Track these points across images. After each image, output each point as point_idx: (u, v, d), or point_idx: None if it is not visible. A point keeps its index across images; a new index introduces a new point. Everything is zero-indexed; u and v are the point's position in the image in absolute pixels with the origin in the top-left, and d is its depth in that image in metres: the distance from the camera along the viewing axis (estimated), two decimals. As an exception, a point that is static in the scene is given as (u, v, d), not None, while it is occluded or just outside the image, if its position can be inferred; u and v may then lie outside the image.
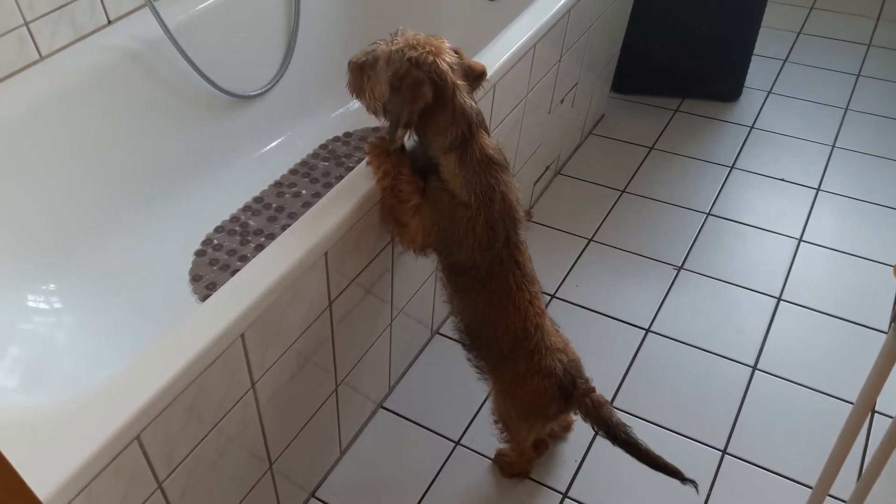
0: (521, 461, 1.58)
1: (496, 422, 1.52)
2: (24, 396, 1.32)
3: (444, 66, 1.19)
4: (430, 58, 1.18)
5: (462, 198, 1.24)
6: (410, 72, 1.18)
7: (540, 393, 1.37)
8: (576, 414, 1.41)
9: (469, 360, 1.44)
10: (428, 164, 1.28)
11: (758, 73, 2.83)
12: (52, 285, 1.60)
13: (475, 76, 1.26)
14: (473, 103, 1.22)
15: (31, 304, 1.55)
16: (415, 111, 1.18)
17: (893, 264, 0.78)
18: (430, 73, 1.18)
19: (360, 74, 1.27)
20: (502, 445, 1.60)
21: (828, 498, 0.93)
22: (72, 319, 1.58)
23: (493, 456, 1.63)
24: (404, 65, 1.19)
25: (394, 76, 1.19)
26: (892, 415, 1.68)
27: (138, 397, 0.95)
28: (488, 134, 1.26)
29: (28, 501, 0.58)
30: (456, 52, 1.24)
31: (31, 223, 1.59)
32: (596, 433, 1.39)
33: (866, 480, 0.80)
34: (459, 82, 1.21)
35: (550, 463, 1.62)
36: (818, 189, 2.33)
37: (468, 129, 1.21)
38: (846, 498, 0.83)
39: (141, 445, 0.97)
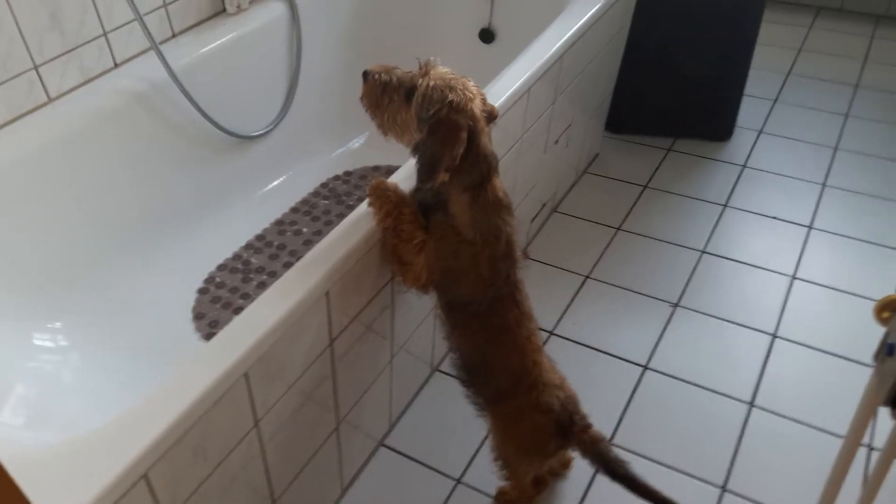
0: (521, 499, 1.59)
1: (495, 459, 1.53)
2: (31, 433, 1.33)
3: (478, 113, 1.22)
4: (469, 104, 1.21)
5: (467, 235, 1.27)
6: (450, 116, 1.19)
7: (538, 429, 1.38)
8: (574, 451, 1.43)
9: (468, 396, 1.46)
10: (431, 200, 1.31)
11: (749, 113, 2.89)
12: (59, 323, 1.62)
13: (490, 119, 1.29)
14: (491, 145, 1.26)
15: (37, 342, 1.57)
16: (456, 156, 1.19)
17: (875, 303, 0.81)
18: (468, 119, 1.20)
19: (381, 92, 1.27)
20: (503, 483, 1.60)
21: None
22: (77, 357, 1.59)
23: (494, 494, 1.63)
24: (445, 108, 1.20)
25: (433, 118, 1.20)
26: (888, 451, 1.70)
27: (146, 436, 0.96)
28: (498, 176, 1.30)
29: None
30: (482, 97, 1.27)
31: (38, 261, 1.62)
32: (595, 470, 1.40)
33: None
34: (486, 128, 1.24)
35: (551, 501, 1.62)
36: (810, 227, 2.37)
37: (487, 172, 1.24)
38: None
39: (148, 483, 0.98)
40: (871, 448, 1.73)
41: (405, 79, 1.26)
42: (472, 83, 1.25)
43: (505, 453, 1.50)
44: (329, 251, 1.27)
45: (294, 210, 2.17)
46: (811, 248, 2.29)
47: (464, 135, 1.19)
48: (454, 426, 1.77)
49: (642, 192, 2.53)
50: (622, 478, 1.36)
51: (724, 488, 1.64)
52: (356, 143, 2.43)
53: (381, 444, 1.73)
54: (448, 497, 1.63)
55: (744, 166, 2.65)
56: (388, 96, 1.27)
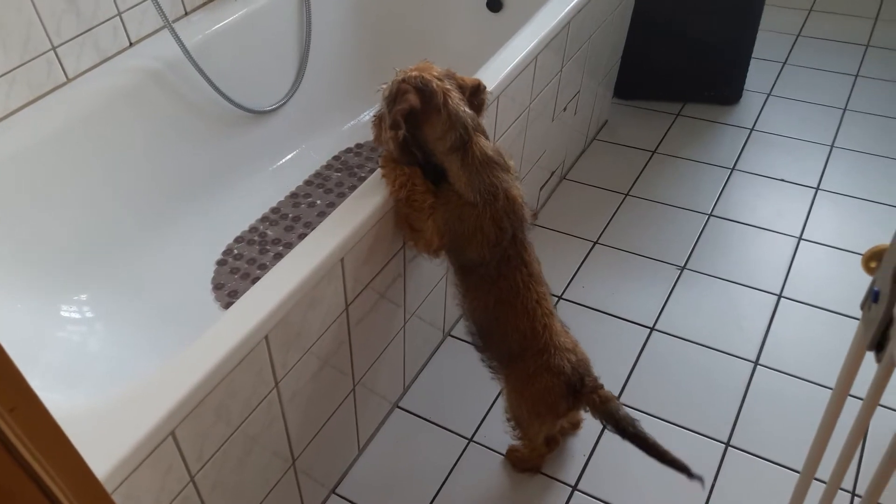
0: (532, 456, 1.65)
1: (508, 419, 1.59)
2: (62, 396, 1.40)
3: (429, 77, 1.30)
4: (414, 73, 1.31)
5: (468, 197, 1.32)
6: (397, 87, 1.30)
7: (549, 390, 1.43)
8: (586, 411, 1.48)
9: (482, 360, 1.51)
10: (437, 173, 1.36)
11: (758, 76, 2.89)
12: (84, 295, 1.69)
13: (472, 91, 1.36)
14: (467, 109, 1.32)
15: (64, 313, 1.64)
16: (398, 112, 1.28)
17: (862, 255, 0.85)
18: (415, 83, 1.29)
19: (379, 122, 1.39)
20: (514, 442, 1.66)
21: (814, 482, 1.00)
22: (103, 327, 1.66)
23: (504, 451, 1.70)
24: (393, 85, 1.31)
25: (388, 99, 1.32)
26: (893, 406, 1.74)
27: (172, 396, 1.03)
28: (487, 138, 1.35)
29: (90, 484, 0.65)
30: (447, 72, 1.35)
31: (63, 237, 1.68)
32: (605, 428, 1.45)
33: (839, 469, 0.86)
34: (450, 89, 1.31)
35: (560, 457, 1.69)
36: (817, 188, 2.39)
37: (465, 131, 1.30)
38: (837, 482, 0.89)
39: (175, 441, 1.05)
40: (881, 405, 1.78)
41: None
42: (427, 63, 1.34)
43: (518, 414, 1.56)
44: (343, 220, 1.32)
45: (308, 183, 2.22)
46: (818, 209, 2.31)
47: (409, 95, 1.28)
48: (466, 388, 1.83)
49: (651, 157, 2.55)
50: (632, 436, 1.41)
51: (728, 444, 1.70)
52: (367, 116, 2.46)
53: (396, 405, 1.80)
54: (461, 455, 1.70)
55: (752, 129, 2.66)
56: (381, 121, 1.38)
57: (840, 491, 1.60)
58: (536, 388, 1.44)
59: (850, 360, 0.83)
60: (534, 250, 1.41)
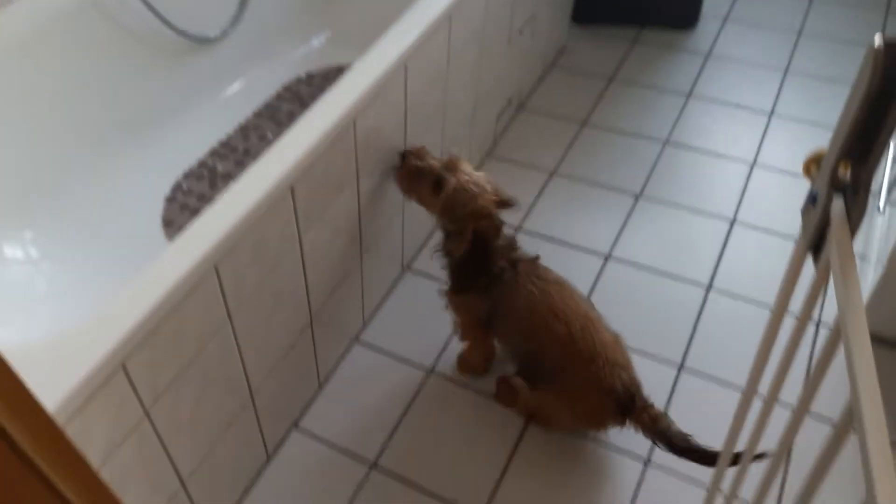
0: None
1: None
2: (11, 335, 1.37)
3: (490, 198, 1.45)
4: (488, 208, 1.44)
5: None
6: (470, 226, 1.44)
7: (598, 407, 1.45)
8: (637, 431, 1.45)
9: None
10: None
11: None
12: (28, 234, 1.63)
13: (503, 201, 1.47)
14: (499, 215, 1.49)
15: (7, 253, 1.58)
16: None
17: (803, 163, 0.85)
18: (492, 206, 1.45)
19: (415, 176, 1.51)
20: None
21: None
22: (49, 266, 1.61)
23: (460, 376, 1.72)
24: (468, 218, 1.44)
25: (457, 219, 1.45)
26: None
27: (121, 327, 1.00)
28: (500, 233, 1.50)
29: (40, 418, 0.63)
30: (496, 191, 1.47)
31: (2, 172, 1.61)
32: (655, 445, 1.44)
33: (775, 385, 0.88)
34: (492, 202, 1.45)
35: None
36: (771, 113, 2.40)
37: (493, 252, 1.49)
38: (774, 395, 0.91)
39: (126, 373, 1.03)
40: (818, 324, 1.83)
41: (435, 168, 1.47)
42: (485, 180, 1.46)
43: (560, 422, 1.58)
44: (292, 146, 1.28)
45: (257, 115, 2.15)
46: (771, 134, 2.33)
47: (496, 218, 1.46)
48: (425, 321, 1.83)
49: (608, 85, 2.53)
50: (685, 451, 1.39)
51: (681, 367, 1.74)
52: (317, 42, 2.38)
53: (356, 339, 1.80)
54: (420, 386, 1.71)
55: (708, 55, 2.65)
56: (420, 181, 1.49)
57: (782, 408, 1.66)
58: (585, 404, 1.46)
59: (792, 267, 0.84)
60: (540, 260, 1.54)
